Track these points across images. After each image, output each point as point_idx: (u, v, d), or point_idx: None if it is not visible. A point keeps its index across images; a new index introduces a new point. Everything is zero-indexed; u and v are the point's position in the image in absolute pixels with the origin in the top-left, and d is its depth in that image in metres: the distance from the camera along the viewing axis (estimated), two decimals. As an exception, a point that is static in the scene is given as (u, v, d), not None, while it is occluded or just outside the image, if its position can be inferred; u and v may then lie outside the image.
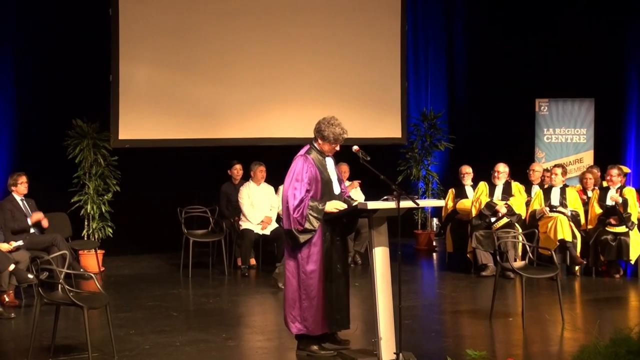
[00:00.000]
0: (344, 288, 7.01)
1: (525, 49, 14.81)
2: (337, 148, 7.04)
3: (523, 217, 11.17)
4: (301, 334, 6.99)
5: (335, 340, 7.14)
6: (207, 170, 12.47)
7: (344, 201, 6.94)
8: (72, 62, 11.85)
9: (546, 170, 12.14)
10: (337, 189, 6.98)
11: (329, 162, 7.05)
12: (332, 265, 6.89)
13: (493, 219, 11.09)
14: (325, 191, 6.90)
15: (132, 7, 11.82)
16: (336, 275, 6.90)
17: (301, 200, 6.75)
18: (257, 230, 11.23)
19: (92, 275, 7.51)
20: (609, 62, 14.64)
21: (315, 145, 7.04)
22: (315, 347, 7.01)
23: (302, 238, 6.79)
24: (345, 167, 11.44)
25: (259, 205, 11.31)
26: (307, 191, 6.81)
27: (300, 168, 6.87)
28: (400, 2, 13.81)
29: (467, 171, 12.10)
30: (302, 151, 7.03)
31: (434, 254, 13.37)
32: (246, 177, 11.68)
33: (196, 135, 12.31)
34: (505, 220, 11.04)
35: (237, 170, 11.92)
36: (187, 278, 10.87)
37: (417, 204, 6.65)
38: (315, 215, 6.75)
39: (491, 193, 11.30)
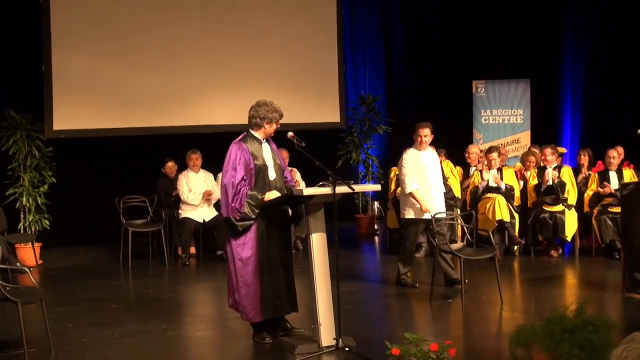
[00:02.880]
0: (284, 274, 6.98)
1: (461, 31, 14.88)
2: (271, 130, 6.98)
3: (458, 198, 11.25)
4: (251, 321, 7.00)
5: (286, 327, 7.13)
6: (145, 159, 12.33)
7: (281, 189, 6.90)
8: (3, 53, 11.59)
9: (482, 151, 12.22)
10: (272, 175, 6.92)
11: (265, 147, 6.99)
12: (270, 252, 6.87)
13: None
14: (258, 178, 6.85)
15: (63, -4, 11.61)
16: (274, 262, 6.89)
17: (238, 189, 6.74)
18: (197, 218, 11.18)
19: (27, 269, 7.37)
20: (544, 44, 14.80)
21: (251, 131, 6.99)
22: (264, 334, 7.00)
23: (241, 226, 6.78)
24: (285, 154, 11.30)
25: (199, 192, 11.25)
26: (244, 179, 6.78)
27: (234, 156, 6.84)
28: (336, -13, 13.76)
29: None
30: (238, 138, 6.99)
31: (376, 237, 13.44)
32: (183, 167, 11.60)
33: (132, 124, 12.15)
34: None
35: (170, 167, 11.89)
36: (126, 269, 10.77)
37: (353, 189, 6.64)
38: (253, 204, 6.74)
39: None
